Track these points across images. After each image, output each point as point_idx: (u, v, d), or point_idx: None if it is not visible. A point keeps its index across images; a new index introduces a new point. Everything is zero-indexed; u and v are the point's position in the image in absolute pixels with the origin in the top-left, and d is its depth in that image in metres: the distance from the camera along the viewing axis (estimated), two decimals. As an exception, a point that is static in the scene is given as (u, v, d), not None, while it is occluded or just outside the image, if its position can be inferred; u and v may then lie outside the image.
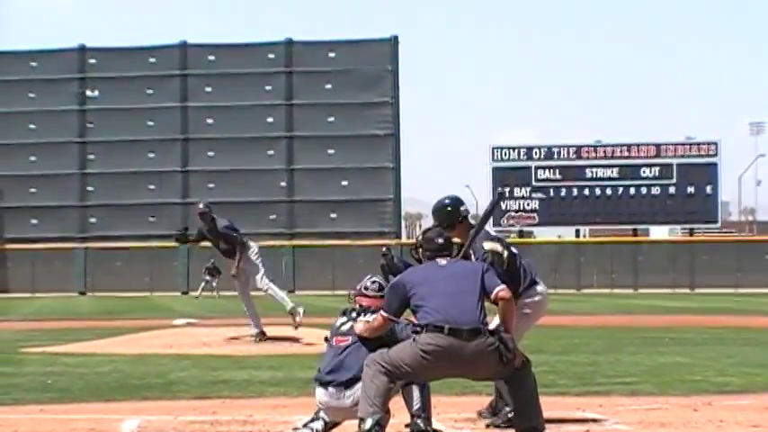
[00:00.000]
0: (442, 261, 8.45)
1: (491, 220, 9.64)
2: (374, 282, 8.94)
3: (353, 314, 8.74)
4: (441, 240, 8.66)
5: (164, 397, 11.91)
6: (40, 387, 12.79)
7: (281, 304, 18.77)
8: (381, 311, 8.38)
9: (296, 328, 18.57)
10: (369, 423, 8.02)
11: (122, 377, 13.78)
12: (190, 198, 59.24)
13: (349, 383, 8.43)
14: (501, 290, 8.19)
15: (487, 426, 9.61)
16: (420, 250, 8.74)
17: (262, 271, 18.73)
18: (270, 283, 18.76)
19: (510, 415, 9.33)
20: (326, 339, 8.77)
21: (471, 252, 9.33)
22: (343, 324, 8.72)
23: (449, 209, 9.73)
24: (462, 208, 9.79)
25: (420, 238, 8.86)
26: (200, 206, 18.95)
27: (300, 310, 18.52)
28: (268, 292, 18.77)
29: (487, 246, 9.46)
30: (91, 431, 9.62)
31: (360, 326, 8.54)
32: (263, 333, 18.76)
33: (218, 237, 18.62)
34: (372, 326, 8.45)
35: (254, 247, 18.88)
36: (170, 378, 13.60)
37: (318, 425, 8.63)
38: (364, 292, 8.89)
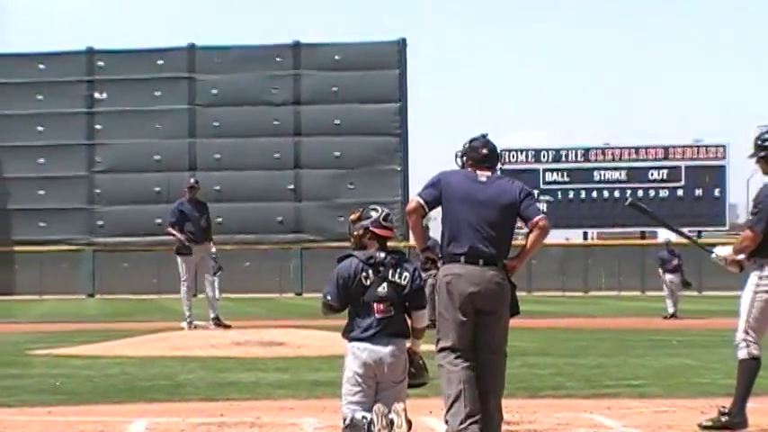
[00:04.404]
0: (483, 176, 7.94)
1: None
2: (388, 214, 8.10)
3: (382, 264, 7.96)
4: (485, 151, 8.03)
5: (171, 399, 11.92)
6: (48, 389, 12.80)
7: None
8: (418, 196, 8.00)
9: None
10: None
11: (130, 379, 13.79)
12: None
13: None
14: (540, 218, 7.89)
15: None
16: (463, 160, 8.09)
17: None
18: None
19: (724, 419, 9.18)
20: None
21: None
22: (375, 283, 8.02)
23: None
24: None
25: (466, 145, 8.16)
26: (193, 180, 20.83)
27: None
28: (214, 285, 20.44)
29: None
30: (98, 433, 9.64)
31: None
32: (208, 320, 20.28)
33: (205, 212, 19.95)
34: (410, 207, 8.06)
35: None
36: (178, 380, 13.60)
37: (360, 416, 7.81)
38: (383, 223, 8.02)
